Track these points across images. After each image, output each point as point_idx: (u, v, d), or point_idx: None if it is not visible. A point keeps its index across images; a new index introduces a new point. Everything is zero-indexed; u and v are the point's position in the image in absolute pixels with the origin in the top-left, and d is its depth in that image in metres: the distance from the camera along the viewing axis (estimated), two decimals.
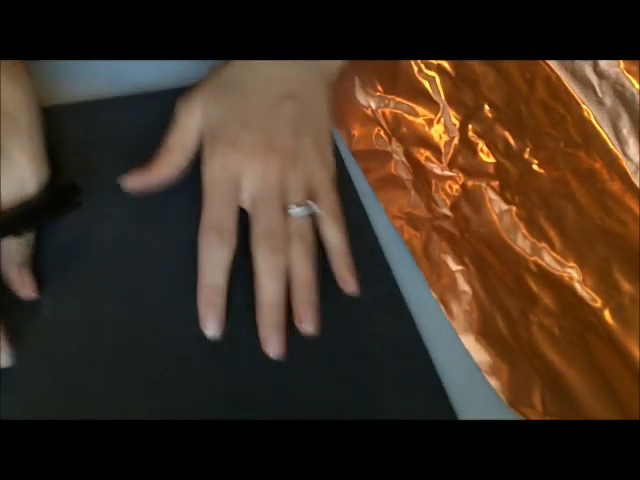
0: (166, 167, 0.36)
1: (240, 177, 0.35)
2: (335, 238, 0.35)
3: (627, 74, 0.41)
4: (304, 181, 0.35)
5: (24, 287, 0.32)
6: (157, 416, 0.31)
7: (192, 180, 0.36)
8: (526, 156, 0.41)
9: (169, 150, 0.36)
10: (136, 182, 0.35)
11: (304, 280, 0.34)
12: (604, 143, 0.41)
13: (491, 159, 0.41)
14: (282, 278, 0.33)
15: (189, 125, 0.36)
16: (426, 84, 0.43)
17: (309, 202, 0.35)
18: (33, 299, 0.32)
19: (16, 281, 0.32)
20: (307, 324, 0.33)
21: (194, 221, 0.35)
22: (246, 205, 0.35)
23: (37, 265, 0.34)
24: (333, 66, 0.40)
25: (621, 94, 0.41)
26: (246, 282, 0.34)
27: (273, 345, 0.32)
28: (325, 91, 0.38)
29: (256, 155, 0.35)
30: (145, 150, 0.36)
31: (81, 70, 0.40)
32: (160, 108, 0.37)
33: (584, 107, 0.42)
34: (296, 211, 0.35)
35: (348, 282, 0.35)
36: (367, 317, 0.35)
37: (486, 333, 0.35)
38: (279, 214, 0.34)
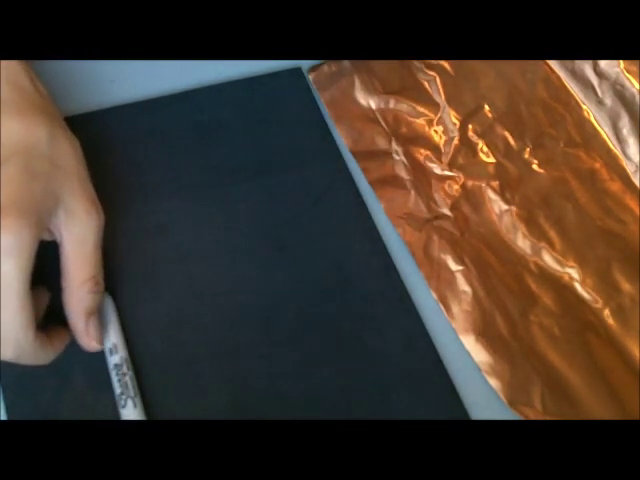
0: None
1: None
2: None
3: (627, 74, 0.41)
4: None
5: (89, 338, 0.31)
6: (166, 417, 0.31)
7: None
8: (526, 156, 0.41)
9: None
10: None
11: None
12: (604, 143, 0.41)
13: (491, 159, 0.41)
14: None
15: None
16: (426, 84, 0.43)
17: None
18: (97, 350, 0.32)
19: (82, 332, 0.31)
20: None
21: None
22: None
23: None
24: None
25: (621, 94, 0.41)
26: (253, 284, 0.35)
27: None
28: None
29: None
30: (142, 157, 0.37)
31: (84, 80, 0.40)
32: (156, 116, 0.39)
33: (584, 107, 0.42)
34: None
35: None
36: (373, 314, 0.35)
37: (486, 333, 0.35)
38: None
